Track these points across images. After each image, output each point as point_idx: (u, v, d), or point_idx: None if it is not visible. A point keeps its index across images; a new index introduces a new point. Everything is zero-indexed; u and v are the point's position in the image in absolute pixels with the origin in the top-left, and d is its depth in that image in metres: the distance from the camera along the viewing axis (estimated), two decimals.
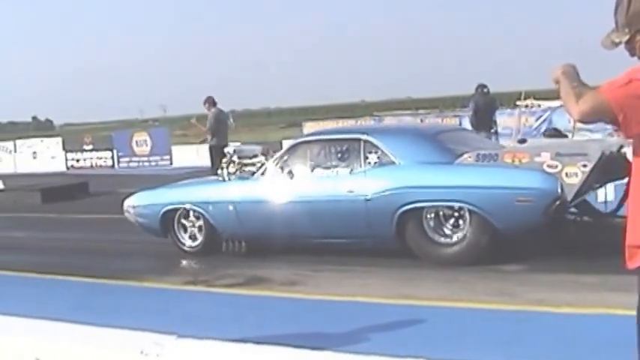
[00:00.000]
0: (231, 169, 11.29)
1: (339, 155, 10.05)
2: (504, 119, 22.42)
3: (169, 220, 11.22)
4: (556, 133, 15.05)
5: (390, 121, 30.00)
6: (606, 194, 10.22)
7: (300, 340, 6.57)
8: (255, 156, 11.66)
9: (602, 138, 9.41)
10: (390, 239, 9.49)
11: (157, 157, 31.73)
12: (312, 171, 10.20)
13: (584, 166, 8.50)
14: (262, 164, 10.96)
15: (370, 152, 9.70)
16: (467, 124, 24.22)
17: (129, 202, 11.90)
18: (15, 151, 36.30)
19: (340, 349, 6.02)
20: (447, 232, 9.31)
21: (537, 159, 8.77)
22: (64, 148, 35.04)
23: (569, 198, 8.56)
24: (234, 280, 9.39)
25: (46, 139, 37.82)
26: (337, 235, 9.85)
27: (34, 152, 35.71)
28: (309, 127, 30.80)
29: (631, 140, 3.69)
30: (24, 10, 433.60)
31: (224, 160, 11.79)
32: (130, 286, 9.56)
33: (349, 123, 29.89)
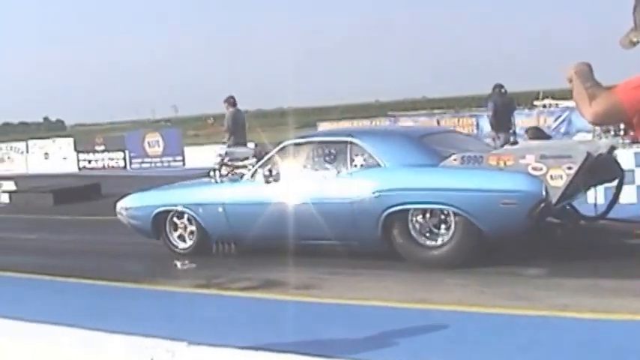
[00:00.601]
0: (223, 171, 11.49)
1: (327, 157, 10.08)
2: (522, 119, 22.25)
3: (161, 222, 11.34)
4: (538, 132, 15.00)
5: (405, 121, 29.79)
6: (596, 197, 10.24)
7: (316, 346, 6.52)
8: (247, 158, 11.67)
9: (591, 140, 9.36)
10: (376, 241, 9.53)
11: (170, 158, 31.64)
12: (300, 173, 10.27)
13: (569, 168, 8.46)
14: (253, 166, 11.00)
15: (357, 155, 9.76)
16: (484, 124, 24.12)
17: (121, 204, 12.03)
18: (27, 152, 36.25)
19: (355, 357, 5.93)
20: (433, 234, 9.31)
21: (522, 161, 8.74)
22: (75, 149, 34.95)
23: (553, 200, 8.50)
24: (248, 283, 9.27)
25: (57, 140, 37.73)
26: (324, 237, 9.85)
27: (46, 153, 35.64)
28: (323, 127, 30.64)
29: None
30: (35, 10, 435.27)
31: (216, 162, 11.81)
32: (142, 289, 9.47)
33: (364, 123, 29.81)
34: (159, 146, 32.20)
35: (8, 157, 36.50)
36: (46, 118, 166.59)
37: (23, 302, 8.93)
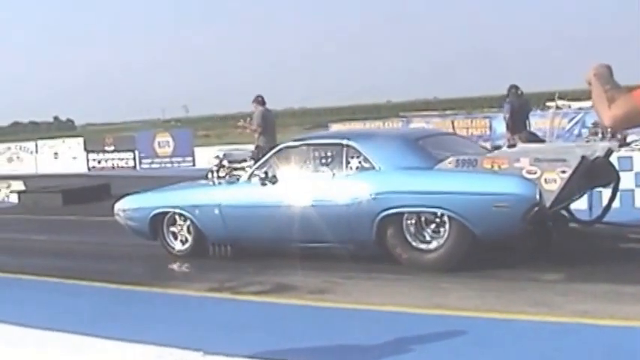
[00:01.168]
0: (221, 173, 11.56)
1: (323, 160, 10.07)
2: (535, 120, 22.08)
3: (158, 223, 11.36)
4: (532, 137, 14.89)
5: (418, 122, 29.67)
6: (591, 201, 10.37)
7: (331, 352, 6.45)
8: (245, 160, 11.65)
9: (587, 143, 9.34)
10: (371, 244, 9.53)
11: (180, 159, 31.60)
12: (296, 175, 10.26)
13: (563, 172, 8.41)
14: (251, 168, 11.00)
15: (352, 157, 9.75)
16: (497, 125, 23.96)
17: (119, 206, 12.08)
18: (36, 152, 36.21)
19: None
20: (427, 237, 9.28)
21: (516, 164, 8.70)
22: (85, 149, 34.91)
23: (547, 204, 8.43)
24: (261, 287, 9.18)
25: (67, 140, 37.71)
26: (320, 240, 9.84)
27: (56, 153, 35.60)
28: (335, 128, 30.52)
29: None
30: (46, 9, 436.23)
31: (215, 163, 11.79)
32: (154, 292, 9.38)
33: (376, 124, 29.71)
34: (169, 146, 32.15)
35: (17, 157, 36.49)
36: (56, 118, 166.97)
37: (35, 306, 8.87)
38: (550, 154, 8.86)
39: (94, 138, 38.89)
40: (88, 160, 34.46)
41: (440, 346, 6.39)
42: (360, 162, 9.66)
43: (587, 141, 10.21)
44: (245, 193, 10.56)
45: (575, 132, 24.30)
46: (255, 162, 10.96)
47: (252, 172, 10.56)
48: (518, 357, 6.06)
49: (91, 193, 20.61)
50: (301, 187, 10.04)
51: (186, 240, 11.18)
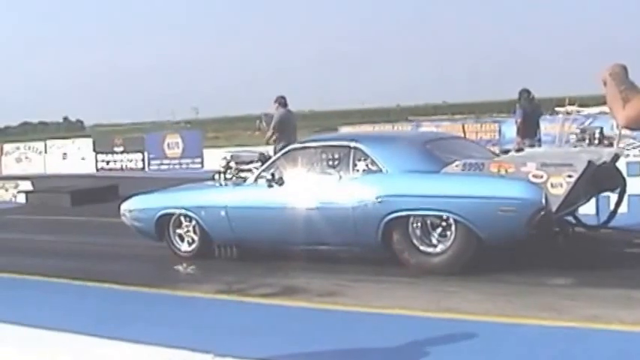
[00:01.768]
0: (228, 175, 11.44)
1: (330, 162, 10.08)
2: (545, 125, 21.95)
3: (164, 224, 11.38)
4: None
5: (428, 126, 29.64)
6: (598, 205, 10.39)
7: (340, 356, 6.41)
8: (252, 162, 11.62)
9: (594, 149, 9.34)
10: (376, 247, 9.51)
11: (189, 160, 31.51)
12: (303, 177, 10.25)
13: (570, 176, 8.39)
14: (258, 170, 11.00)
15: (359, 160, 9.73)
16: (506, 130, 23.86)
17: (125, 206, 12.13)
18: (45, 152, 36.18)
19: None
20: (433, 241, 9.27)
21: (523, 169, 8.68)
22: (94, 150, 34.87)
23: (553, 209, 8.41)
24: (270, 289, 9.13)
25: (76, 140, 37.71)
26: (326, 242, 9.90)
27: (65, 153, 35.54)
28: (344, 130, 30.42)
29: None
30: (56, 9, 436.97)
31: (222, 165, 11.79)
32: (163, 294, 9.37)
33: (385, 127, 29.69)
34: (178, 148, 32.08)
35: (26, 157, 36.44)
36: (65, 118, 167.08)
37: (42, 307, 8.83)
38: (556, 159, 8.83)
39: (103, 139, 38.89)
40: (96, 161, 34.39)
41: (449, 350, 6.36)
42: (367, 164, 9.65)
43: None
44: (251, 195, 10.55)
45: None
46: (262, 164, 10.92)
47: (259, 174, 10.53)
48: None
49: (100, 194, 20.54)
50: (307, 189, 10.03)
51: (193, 241, 11.19)
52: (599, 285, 8.10)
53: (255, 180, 10.56)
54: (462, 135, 21.10)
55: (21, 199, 22.52)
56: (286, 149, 10.82)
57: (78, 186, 22.60)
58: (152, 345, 4.45)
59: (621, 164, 10.25)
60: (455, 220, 8.96)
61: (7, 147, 37.87)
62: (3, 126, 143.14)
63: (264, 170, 10.50)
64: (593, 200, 10.43)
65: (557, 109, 24.87)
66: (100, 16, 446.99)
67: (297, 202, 9.99)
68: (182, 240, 11.30)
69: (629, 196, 10.37)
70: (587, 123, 25.06)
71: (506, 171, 8.77)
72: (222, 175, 11.38)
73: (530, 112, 17.60)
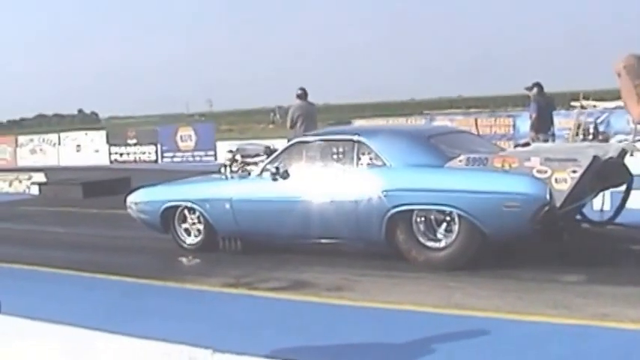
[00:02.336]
0: (234, 168, 11.51)
1: (334, 156, 10.04)
2: (560, 120, 21.81)
3: (170, 216, 11.41)
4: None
5: (441, 120, 29.52)
6: (603, 201, 10.26)
7: (346, 351, 6.36)
8: (258, 155, 11.61)
9: (600, 144, 9.23)
10: (380, 242, 9.47)
11: (202, 153, 31.45)
12: (307, 171, 10.25)
13: (574, 172, 8.30)
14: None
15: (363, 154, 9.69)
16: (521, 124, 23.72)
17: (131, 199, 12.19)
18: (59, 144, 36.23)
19: None
20: (437, 236, 9.23)
21: (527, 164, 8.60)
22: (107, 142, 34.89)
23: (558, 204, 8.33)
24: (278, 283, 9.08)
25: (90, 133, 37.71)
26: (329, 236, 9.88)
27: (78, 145, 35.57)
28: (357, 124, 30.34)
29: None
30: (71, 3, 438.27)
31: (227, 157, 11.81)
32: (170, 287, 9.34)
33: (399, 121, 29.63)
34: (191, 140, 32.04)
35: (40, 149, 36.50)
36: (80, 111, 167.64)
37: (51, 299, 8.84)
38: (561, 154, 8.76)
39: (117, 131, 38.91)
40: (110, 153, 34.43)
41: (457, 346, 6.30)
42: (370, 158, 9.61)
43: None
44: (256, 188, 10.54)
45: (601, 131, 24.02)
46: (268, 157, 10.89)
47: (264, 167, 10.52)
48: (535, 359, 5.94)
49: (111, 186, 20.46)
50: (311, 183, 10.04)
51: (197, 234, 11.22)
52: (610, 282, 7.99)
53: (260, 173, 10.54)
54: (475, 129, 20.99)
55: (34, 190, 22.60)
56: (291, 143, 10.81)
57: (90, 178, 22.60)
58: (149, 339, 4.38)
59: (631, 160, 10.13)
60: (458, 215, 8.90)
61: (21, 139, 37.97)
62: (19, 118, 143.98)
63: (268, 163, 10.48)
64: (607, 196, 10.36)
65: (573, 103, 24.76)
66: (115, 10, 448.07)
67: (300, 196, 9.98)
68: (187, 232, 11.33)
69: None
70: (602, 117, 25.09)
71: (510, 166, 8.69)
72: (227, 168, 11.46)
73: (544, 106, 17.42)
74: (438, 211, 9.10)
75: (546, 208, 8.28)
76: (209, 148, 31.30)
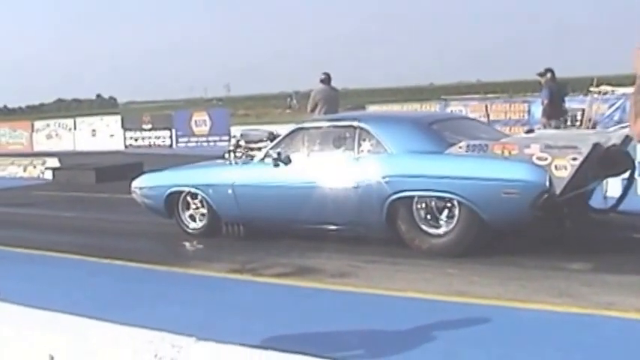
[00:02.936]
0: (238, 153, 11.57)
1: (336, 142, 10.08)
2: (574, 105, 21.65)
3: (174, 201, 11.51)
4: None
5: (457, 105, 29.45)
6: (606, 189, 10.22)
7: (346, 337, 6.35)
8: (262, 140, 11.63)
9: (602, 131, 9.13)
10: (380, 227, 9.49)
11: (216, 138, 31.44)
12: (309, 157, 10.28)
13: (574, 159, 8.22)
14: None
15: (364, 140, 9.71)
16: (536, 110, 23.56)
17: (136, 184, 12.30)
18: (75, 129, 36.34)
19: (388, 349, 5.86)
20: (437, 222, 9.21)
21: (527, 151, 8.52)
22: (122, 127, 34.97)
23: (557, 191, 8.26)
24: (283, 269, 9.07)
25: (105, 117, 37.87)
26: (330, 222, 9.92)
27: (94, 130, 35.72)
28: (372, 109, 30.31)
29: None
30: None
31: (232, 143, 11.87)
32: (176, 272, 9.33)
33: (414, 106, 29.62)
34: (205, 125, 32.05)
35: (56, 134, 36.71)
36: (98, 96, 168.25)
37: (54, 284, 8.89)
38: (561, 141, 8.69)
39: (132, 116, 39.01)
40: (125, 138, 34.54)
41: (458, 334, 6.27)
42: (371, 144, 9.61)
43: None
44: (258, 174, 10.56)
45: (616, 118, 23.81)
46: (271, 142, 10.91)
47: (267, 153, 10.55)
48: (536, 348, 5.86)
49: (124, 171, 20.42)
50: (313, 169, 10.06)
51: (201, 219, 11.29)
52: (616, 271, 7.90)
53: (262, 159, 10.59)
54: (486, 115, 20.87)
55: (48, 175, 22.66)
56: (293, 128, 10.78)
57: (103, 163, 22.69)
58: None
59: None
60: (458, 202, 8.89)
61: (37, 124, 38.21)
62: (38, 103, 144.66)
63: (270, 149, 10.50)
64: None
65: (591, 89, 24.57)
66: None
67: (301, 181, 10.01)
68: (191, 218, 11.40)
69: None
70: (618, 103, 24.87)
71: (509, 153, 8.64)
72: (231, 154, 11.49)
73: (556, 92, 17.29)
74: (438, 197, 9.08)
75: (546, 195, 8.24)
76: (224, 133, 31.27)
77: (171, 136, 33.20)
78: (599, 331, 6.24)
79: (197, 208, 11.31)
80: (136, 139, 34.16)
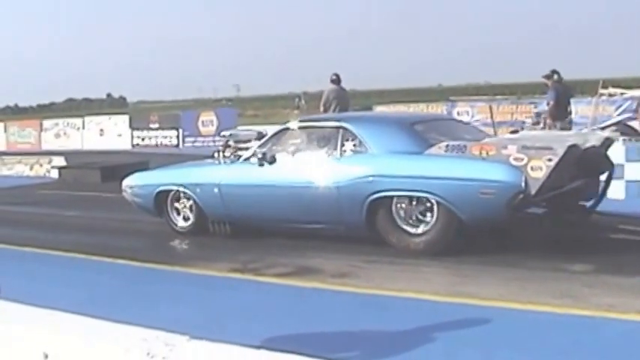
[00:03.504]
0: (227, 153, 11.67)
1: (320, 142, 10.24)
2: (581, 108, 21.63)
3: (163, 200, 11.68)
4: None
5: (464, 106, 29.44)
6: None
7: (345, 338, 6.36)
8: (250, 140, 11.74)
9: (582, 132, 9.19)
10: (361, 226, 9.61)
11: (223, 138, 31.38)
12: (293, 157, 10.41)
13: (549, 160, 8.37)
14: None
15: (347, 140, 9.86)
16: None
17: (127, 182, 12.49)
18: (83, 128, 36.42)
19: (387, 350, 5.86)
20: (416, 221, 9.33)
21: (504, 151, 8.68)
22: (130, 126, 35.01)
23: (533, 192, 8.40)
24: (284, 269, 9.08)
25: (113, 117, 37.93)
26: (312, 221, 10.03)
27: (101, 129, 35.80)
28: (379, 109, 30.28)
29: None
30: None
31: (221, 143, 11.99)
32: (177, 272, 9.32)
33: (421, 107, 29.63)
34: (212, 125, 32.03)
35: (64, 133, 36.81)
36: (109, 95, 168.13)
37: (56, 283, 8.87)
38: (538, 142, 8.81)
39: (140, 116, 39.05)
40: (132, 137, 34.59)
41: (458, 335, 6.25)
42: (354, 145, 9.78)
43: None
44: (243, 173, 10.73)
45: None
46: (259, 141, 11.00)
47: (253, 153, 10.69)
48: (535, 350, 5.84)
49: (129, 170, 20.55)
50: (296, 168, 10.22)
51: (189, 217, 11.44)
52: (618, 273, 7.89)
53: (248, 158, 10.72)
54: (490, 116, 20.82)
55: (54, 174, 22.70)
56: (279, 129, 10.92)
57: (108, 162, 22.68)
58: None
59: (620, 149, 10.06)
60: (436, 202, 9.03)
61: (46, 123, 38.36)
62: (48, 102, 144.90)
63: (257, 149, 10.67)
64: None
65: (601, 91, 24.53)
66: None
67: (285, 181, 10.17)
68: (179, 216, 11.58)
69: (628, 182, 10.23)
70: (625, 105, 24.79)
71: (487, 153, 8.77)
72: (221, 154, 11.58)
73: (562, 94, 17.29)
74: (417, 197, 9.21)
75: (521, 195, 8.37)
76: None
77: (178, 136, 33.24)
78: (600, 332, 6.23)
79: (185, 206, 11.47)
80: (143, 139, 34.21)
